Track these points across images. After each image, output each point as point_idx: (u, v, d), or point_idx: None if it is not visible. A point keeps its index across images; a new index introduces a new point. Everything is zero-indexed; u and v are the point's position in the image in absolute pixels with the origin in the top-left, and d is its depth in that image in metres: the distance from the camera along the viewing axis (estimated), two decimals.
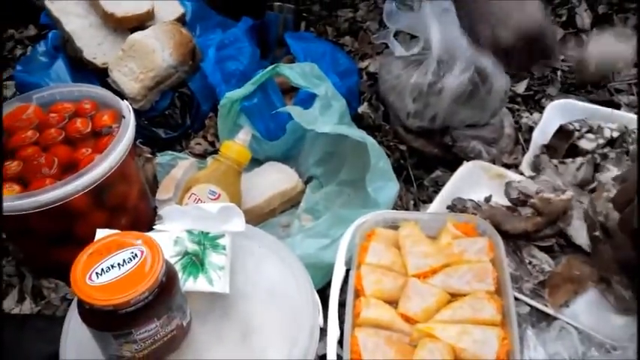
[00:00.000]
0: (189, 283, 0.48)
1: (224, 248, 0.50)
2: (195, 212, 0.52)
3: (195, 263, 0.49)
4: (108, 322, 0.41)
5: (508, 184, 0.63)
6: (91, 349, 0.46)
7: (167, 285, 0.42)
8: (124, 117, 0.69)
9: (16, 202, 0.61)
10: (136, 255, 0.42)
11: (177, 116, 0.88)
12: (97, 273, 0.41)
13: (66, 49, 0.91)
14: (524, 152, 0.73)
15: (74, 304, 0.51)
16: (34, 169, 0.66)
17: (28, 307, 0.70)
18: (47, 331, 0.63)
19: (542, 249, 0.59)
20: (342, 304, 0.53)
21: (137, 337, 0.42)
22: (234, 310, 0.49)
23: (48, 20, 0.95)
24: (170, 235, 0.51)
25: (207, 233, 0.51)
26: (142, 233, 0.44)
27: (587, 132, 0.67)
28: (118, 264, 0.42)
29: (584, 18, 0.95)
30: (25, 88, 0.88)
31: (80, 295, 0.40)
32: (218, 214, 0.51)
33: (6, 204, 0.61)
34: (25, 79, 0.90)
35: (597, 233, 0.56)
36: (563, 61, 0.91)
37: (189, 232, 0.51)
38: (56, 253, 0.69)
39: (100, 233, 0.51)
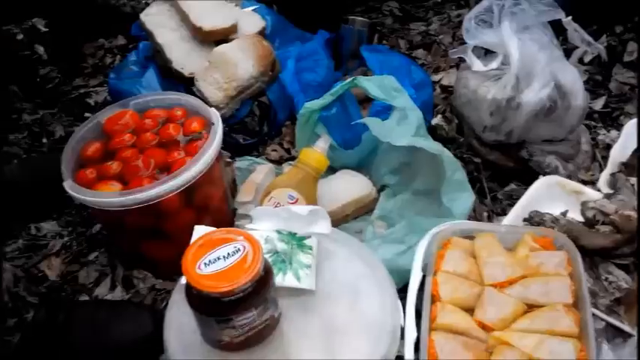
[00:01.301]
0: (278, 279, 0.52)
1: (310, 248, 0.54)
2: (284, 214, 0.56)
3: (284, 261, 0.53)
4: (213, 307, 0.45)
5: (584, 204, 0.63)
6: (190, 332, 0.50)
7: (265, 278, 0.46)
8: (212, 124, 0.74)
9: (118, 198, 0.67)
10: (239, 249, 0.46)
11: (255, 124, 0.93)
12: (205, 263, 0.46)
13: (156, 59, 0.98)
14: (601, 169, 0.72)
15: (175, 292, 0.56)
16: (132, 169, 0.72)
17: (119, 294, 0.76)
18: (137, 316, 0.68)
19: (619, 266, 0.59)
20: (417, 313, 0.55)
21: (236, 323, 0.46)
22: (319, 307, 0.52)
23: (139, 32, 1.03)
24: (261, 233, 0.55)
25: (295, 234, 0.55)
26: (243, 230, 0.48)
27: None
28: (224, 256, 0.46)
29: None
30: (118, 94, 0.96)
31: (191, 281, 0.45)
32: (306, 217, 0.55)
33: (109, 200, 0.67)
34: (117, 86, 0.97)
35: None
36: None
37: (279, 232, 0.55)
38: (146, 247, 0.75)
39: (197, 230, 0.56)
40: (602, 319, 0.56)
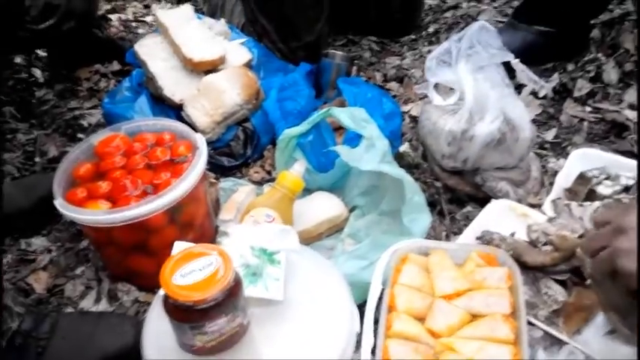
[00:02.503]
0: (249, 290, 0.57)
1: (279, 262, 0.60)
2: (257, 231, 0.62)
3: (255, 273, 0.59)
4: (187, 315, 0.51)
5: (529, 227, 0.69)
6: (167, 339, 0.56)
7: (234, 288, 0.52)
8: (197, 148, 0.80)
9: (107, 216, 0.72)
10: (211, 262, 0.52)
11: (239, 147, 0.98)
12: (181, 275, 0.51)
13: (148, 85, 1.05)
14: (548, 194, 0.79)
15: (155, 302, 0.61)
16: (120, 189, 0.77)
17: (104, 306, 0.80)
18: (119, 326, 0.72)
19: (557, 282, 0.65)
20: (375, 321, 0.61)
21: (208, 329, 0.52)
22: (286, 314, 0.58)
23: (133, 60, 1.09)
24: (236, 249, 0.61)
25: (266, 249, 0.61)
26: (216, 246, 0.54)
27: (606, 179, 0.73)
28: (198, 269, 0.51)
29: (611, 74, 1.01)
30: (111, 117, 1.02)
31: (168, 291, 0.51)
32: (277, 234, 0.61)
33: (98, 217, 0.73)
34: (111, 110, 1.03)
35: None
36: (590, 112, 0.98)
37: (252, 247, 0.61)
38: (131, 261, 0.80)
39: (177, 245, 0.61)
40: (541, 329, 0.63)
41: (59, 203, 0.75)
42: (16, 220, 0.90)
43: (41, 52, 1.32)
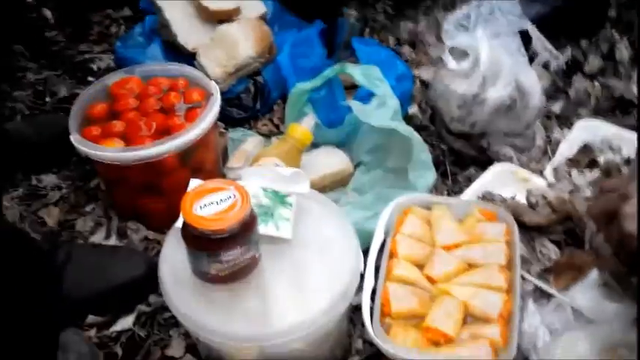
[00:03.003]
0: (261, 228, 0.60)
1: (290, 205, 0.63)
2: (269, 174, 0.65)
3: (267, 213, 0.62)
4: (205, 244, 0.54)
5: (529, 191, 0.73)
6: (182, 269, 0.58)
7: (250, 222, 0.55)
8: (212, 94, 0.82)
9: (122, 153, 0.74)
10: (230, 197, 0.54)
11: (249, 100, 0.99)
12: (200, 206, 0.53)
13: (161, 32, 1.05)
14: (550, 162, 0.82)
15: (170, 234, 0.63)
16: (135, 129, 0.79)
17: (113, 242, 0.83)
18: (131, 259, 0.76)
19: (552, 242, 0.69)
20: (377, 269, 0.64)
21: (223, 258, 0.55)
22: (294, 252, 0.60)
23: (147, 6, 1.09)
24: (248, 190, 0.64)
25: (278, 192, 0.64)
26: (234, 182, 0.57)
27: (608, 150, 0.76)
28: (217, 202, 0.53)
29: (623, 52, 1.03)
30: (123, 61, 1.02)
31: (188, 220, 0.53)
32: (289, 178, 0.64)
33: (114, 154, 0.75)
34: (124, 54, 1.04)
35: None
36: (598, 88, 1.00)
37: (264, 189, 0.64)
38: (142, 201, 0.83)
39: (192, 182, 0.64)
40: (532, 282, 0.67)
41: (75, 138, 0.77)
42: (26, 155, 0.92)
43: None
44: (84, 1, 1.27)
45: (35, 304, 0.66)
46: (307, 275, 0.59)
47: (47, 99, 1.08)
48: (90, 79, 1.12)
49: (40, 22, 1.24)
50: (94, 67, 1.15)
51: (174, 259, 0.60)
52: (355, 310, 0.64)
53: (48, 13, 1.28)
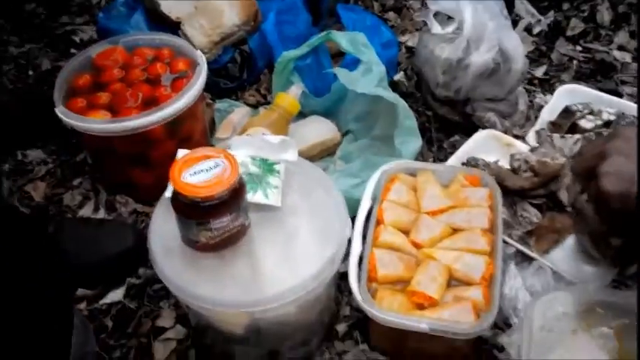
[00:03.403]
0: (249, 196, 0.61)
1: (278, 172, 0.64)
2: (258, 142, 0.65)
3: (255, 181, 0.63)
4: (194, 212, 0.54)
5: (512, 156, 0.74)
6: (171, 238, 0.59)
7: (239, 190, 0.56)
8: (198, 64, 0.82)
9: (109, 125, 0.74)
10: (218, 164, 0.54)
11: (235, 70, 0.99)
12: (189, 174, 0.54)
13: (144, 2, 1.02)
14: (533, 127, 0.83)
15: (159, 204, 0.64)
16: (121, 100, 0.79)
17: (102, 216, 0.83)
18: (120, 231, 0.77)
19: (533, 205, 0.71)
20: (364, 236, 0.65)
21: (213, 226, 0.55)
22: (283, 220, 0.61)
23: None
24: (237, 158, 0.64)
25: (266, 160, 0.64)
26: (223, 150, 0.57)
27: (589, 114, 0.77)
28: (205, 169, 0.54)
29: (604, 15, 1.04)
30: (106, 33, 0.99)
31: (177, 188, 0.54)
32: (277, 145, 0.64)
33: (98, 126, 0.75)
34: (106, 25, 1.01)
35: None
36: (580, 52, 1.00)
37: (252, 157, 0.65)
38: (131, 173, 0.83)
39: (180, 152, 0.64)
40: (514, 246, 0.69)
41: (61, 111, 0.77)
42: (10, 130, 0.91)
43: None
44: None
45: (45, 276, 0.66)
46: (296, 242, 0.60)
47: (30, 72, 1.07)
48: (73, 51, 1.11)
49: None
50: (77, 39, 1.13)
51: (163, 229, 0.61)
52: (342, 277, 0.66)
53: None
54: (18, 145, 0.93)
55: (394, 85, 0.93)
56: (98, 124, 0.75)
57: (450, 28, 0.80)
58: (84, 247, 0.73)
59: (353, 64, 0.85)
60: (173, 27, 0.98)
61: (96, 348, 0.69)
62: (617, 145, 0.50)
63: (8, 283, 0.55)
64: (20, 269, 0.58)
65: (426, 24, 0.82)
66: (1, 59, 1.09)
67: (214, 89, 0.97)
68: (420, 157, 0.83)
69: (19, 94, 1.00)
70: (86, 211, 0.84)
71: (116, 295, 0.73)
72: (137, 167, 0.83)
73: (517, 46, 0.79)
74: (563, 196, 0.70)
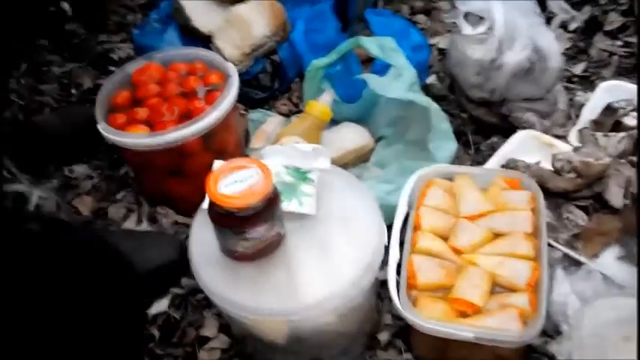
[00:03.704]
0: (284, 205, 0.61)
1: (312, 180, 0.63)
2: (291, 151, 0.66)
3: (289, 190, 0.63)
4: (230, 221, 0.55)
5: (554, 156, 0.72)
6: (210, 247, 0.60)
7: (273, 199, 0.56)
8: (230, 76, 0.83)
9: (146, 139, 0.76)
10: (252, 175, 0.55)
11: (267, 80, 1.00)
12: (224, 185, 0.54)
13: (177, 17, 1.05)
14: (574, 126, 0.81)
15: (198, 215, 0.65)
16: (158, 115, 0.81)
17: (144, 228, 0.85)
18: (162, 242, 0.78)
19: (579, 207, 0.68)
20: (401, 243, 0.65)
21: (249, 235, 0.56)
22: (318, 228, 0.61)
23: None
24: (271, 168, 0.65)
25: (300, 168, 0.64)
26: (257, 160, 0.58)
27: (632, 110, 0.74)
28: (240, 180, 0.54)
29: None
30: (142, 48, 1.03)
31: (213, 199, 0.54)
32: (309, 154, 0.64)
33: (139, 140, 0.77)
34: (141, 41, 1.04)
35: (627, 201, 0.64)
36: (620, 46, 0.97)
37: (286, 166, 0.65)
38: (169, 185, 0.85)
39: (216, 163, 0.65)
40: (560, 250, 0.66)
41: (102, 127, 0.79)
42: (56, 147, 0.95)
43: None
44: None
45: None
46: (332, 249, 0.60)
47: (73, 91, 1.10)
48: (111, 68, 1.13)
49: (60, 15, 1.26)
50: (115, 56, 1.16)
51: (202, 240, 0.62)
52: (382, 285, 0.65)
53: (66, 5, 1.29)
54: (64, 161, 0.96)
55: (426, 89, 0.92)
56: (136, 138, 0.77)
57: (482, 29, 0.78)
58: (128, 259, 0.74)
59: (383, 69, 0.84)
60: (205, 41, 1.01)
61: None
62: None
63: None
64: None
65: (456, 25, 0.81)
66: (45, 79, 1.13)
67: (247, 100, 0.99)
68: (457, 160, 0.81)
69: (64, 113, 1.03)
70: (130, 224, 0.86)
71: (161, 305, 0.75)
72: (175, 179, 0.84)
73: (552, 44, 0.77)
74: (610, 196, 0.68)
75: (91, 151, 0.97)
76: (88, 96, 1.07)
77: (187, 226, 0.82)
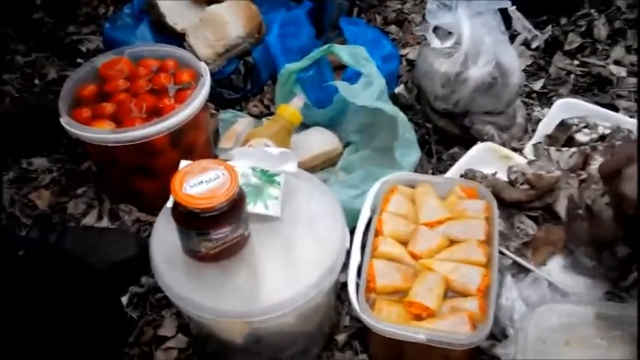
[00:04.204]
0: (250, 207, 0.62)
1: (279, 184, 0.65)
2: (258, 154, 0.67)
3: (256, 192, 0.64)
4: (194, 222, 0.55)
5: (510, 168, 0.75)
6: (173, 248, 0.60)
7: (238, 201, 0.57)
8: (202, 76, 0.83)
9: (113, 135, 0.76)
10: (218, 176, 0.56)
11: (239, 81, 1.00)
12: (190, 185, 0.55)
13: (150, 13, 1.05)
14: (530, 140, 0.85)
15: (161, 215, 0.65)
16: (126, 111, 0.81)
17: (105, 224, 0.84)
18: (122, 240, 0.77)
19: (530, 217, 0.72)
20: (363, 246, 0.67)
21: (213, 236, 0.56)
22: (283, 230, 0.62)
23: None
24: (238, 169, 0.65)
25: (267, 171, 0.65)
26: (223, 161, 0.59)
27: (584, 127, 0.79)
28: (206, 181, 0.55)
29: (601, 30, 1.06)
30: (112, 43, 1.02)
31: (178, 199, 0.55)
32: (277, 157, 0.66)
33: (104, 136, 0.76)
34: (112, 35, 1.04)
35: (580, 211, 0.67)
36: (577, 66, 1.02)
37: (253, 169, 0.66)
38: (134, 182, 0.84)
39: (183, 163, 0.65)
40: (510, 258, 0.70)
41: (65, 121, 0.78)
42: (16, 138, 0.93)
43: None
44: None
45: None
46: (296, 252, 0.61)
47: (36, 81, 1.08)
48: (79, 60, 1.12)
49: (27, 4, 1.23)
50: (83, 48, 1.15)
51: (165, 239, 0.62)
52: (343, 287, 0.67)
53: None
54: (23, 153, 0.94)
55: (394, 98, 0.94)
56: (102, 134, 0.77)
57: (449, 43, 0.81)
58: (86, 256, 0.74)
59: (354, 76, 0.86)
60: (178, 38, 1.01)
61: None
62: None
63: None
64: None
65: (425, 38, 0.84)
66: (7, 68, 1.10)
67: (218, 100, 0.99)
68: (420, 168, 0.84)
69: (25, 103, 1.01)
70: (89, 220, 0.85)
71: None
72: (140, 177, 0.84)
73: (514, 61, 0.81)
74: (560, 208, 0.72)
75: (53, 144, 0.95)
76: (51, 87, 1.05)
77: (150, 224, 0.82)
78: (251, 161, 0.66)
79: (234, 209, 0.56)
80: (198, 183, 0.56)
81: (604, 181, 0.56)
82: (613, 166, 0.53)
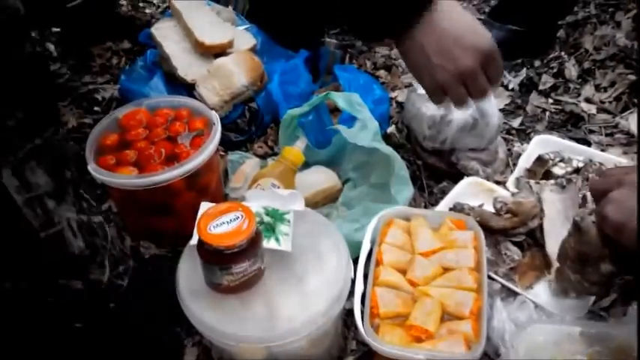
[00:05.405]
0: (264, 242, 0.69)
1: (289, 221, 0.72)
2: (270, 195, 0.74)
3: (269, 229, 0.71)
4: (218, 258, 0.62)
5: (495, 199, 0.83)
6: (196, 281, 0.67)
7: (256, 238, 0.64)
8: (213, 123, 0.91)
9: (137, 180, 0.83)
10: (238, 217, 0.63)
11: (245, 124, 1.08)
12: (213, 226, 0.63)
13: (162, 65, 1.14)
14: (512, 173, 0.93)
15: (186, 251, 0.72)
16: (146, 157, 0.88)
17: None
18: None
19: (514, 244, 0.80)
20: (365, 275, 0.73)
21: (234, 270, 0.63)
22: (294, 263, 0.69)
23: (146, 40, 1.17)
24: (252, 209, 0.73)
25: (277, 210, 0.73)
26: (241, 204, 0.66)
27: (560, 161, 0.87)
28: (227, 222, 0.62)
29: (571, 71, 1.16)
30: (128, 93, 1.10)
31: (203, 238, 0.62)
32: (286, 197, 0.73)
33: (128, 181, 0.83)
34: (128, 86, 1.11)
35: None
36: (552, 104, 1.12)
37: (265, 208, 0.73)
38: (154, 221, 0.91)
39: (203, 205, 0.73)
40: (499, 282, 0.77)
41: (92, 168, 0.85)
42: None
43: (54, 28, 1.38)
44: (85, 35, 1.35)
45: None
46: (306, 282, 0.68)
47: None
48: (96, 108, 1.19)
49: (45, 56, 1.31)
50: (99, 97, 1.22)
51: (189, 273, 0.69)
52: (349, 313, 0.72)
53: (51, 46, 1.35)
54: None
55: (387, 137, 1.03)
56: (129, 179, 0.84)
57: None
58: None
59: (349, 119, 0.95)
60: (188, 88, 1.09)
61: None
62: (633, 179, 0.54)
63: None
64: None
65: (412, 84, 0.93)
66: None
67: (226, 142, 1.07)
68: (413, 202, 0.91)
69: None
70: None
71: None
72: (159, 216, 0.90)
73: (492, 105, 0.90)
74: (540, 234, 0.79)
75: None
76: (73, 134, 1.11)
77: (167, 258, 0.89)
78: (263, 201, 0.74)
79: (252, 246, 0.64)
80: (221, 224, 0.63)
81: (594, 197, 0.60)
82: (603, 187, 0.57)
